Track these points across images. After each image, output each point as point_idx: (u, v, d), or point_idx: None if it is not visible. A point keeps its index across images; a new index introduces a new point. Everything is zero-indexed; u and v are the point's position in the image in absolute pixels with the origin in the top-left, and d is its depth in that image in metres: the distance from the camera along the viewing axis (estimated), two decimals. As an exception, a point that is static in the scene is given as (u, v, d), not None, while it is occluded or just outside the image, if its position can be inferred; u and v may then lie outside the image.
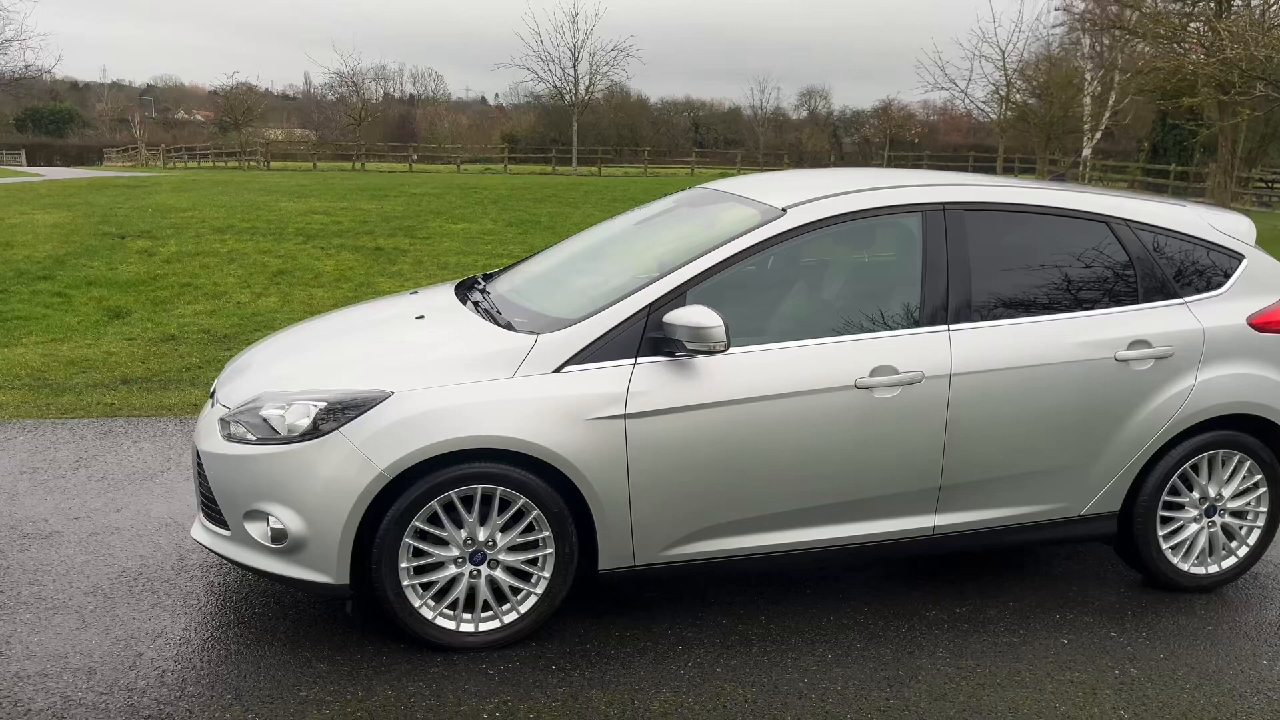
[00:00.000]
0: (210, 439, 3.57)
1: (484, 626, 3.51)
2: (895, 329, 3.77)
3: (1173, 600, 4.07)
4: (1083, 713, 3.25)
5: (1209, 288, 4.08)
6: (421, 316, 4.04)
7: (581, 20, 60.22)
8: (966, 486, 3.81)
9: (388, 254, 11.08)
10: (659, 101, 71.25)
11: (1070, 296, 3.94)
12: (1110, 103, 34.06)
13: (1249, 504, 4.14)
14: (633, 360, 3.49)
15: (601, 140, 54.44)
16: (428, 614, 3.45)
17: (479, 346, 3.57)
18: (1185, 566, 4.12)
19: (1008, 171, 41.50)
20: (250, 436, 3.44)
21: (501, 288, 4.32)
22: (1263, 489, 4.14)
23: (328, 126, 62.26)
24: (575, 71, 42.71)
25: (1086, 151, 35.68)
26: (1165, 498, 4.03)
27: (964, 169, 44.28)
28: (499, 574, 3.50)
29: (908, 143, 60.18)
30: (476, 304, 4.07)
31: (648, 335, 3.51)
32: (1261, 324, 4.05)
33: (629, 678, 3.36)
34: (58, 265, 10.19)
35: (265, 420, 3.43)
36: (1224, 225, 4.23)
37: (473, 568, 3.47)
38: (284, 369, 3.73)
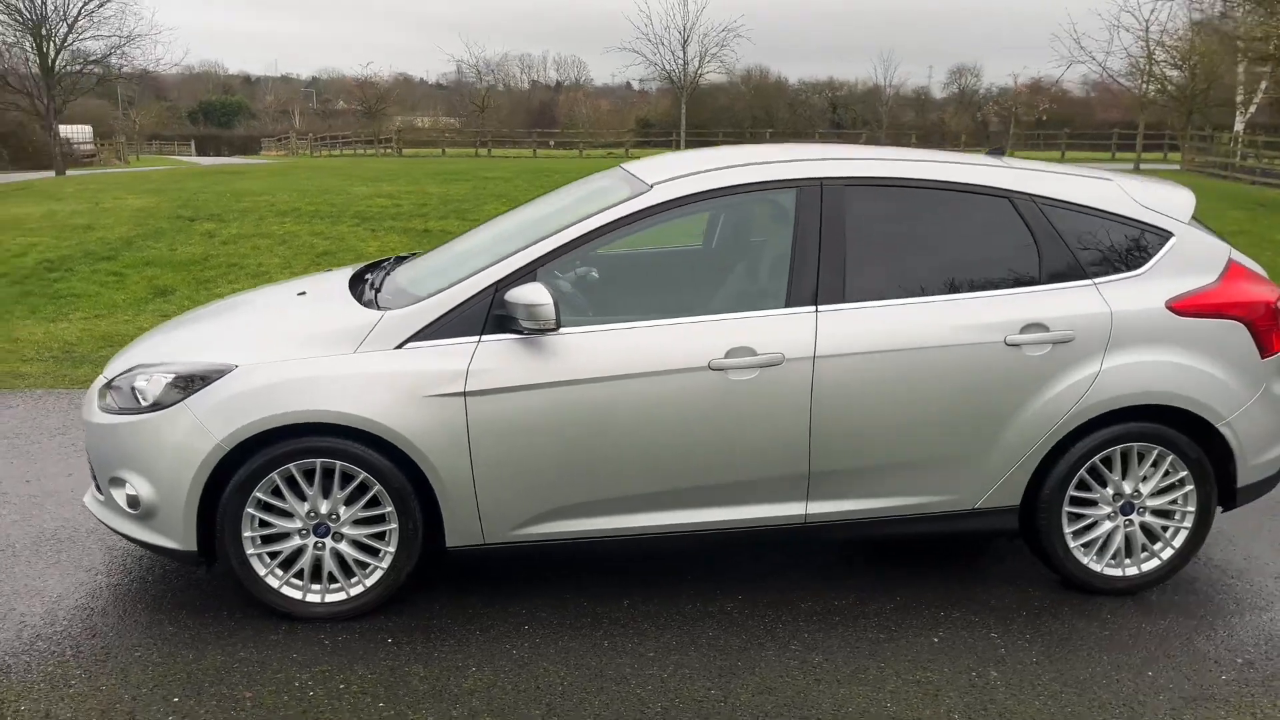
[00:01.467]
0: (89, 407, 3.73)
1: (330, 598, 3.57)
2: (759, 309, 3.63)
3: (1082, 602, 3.79)
4: (913, 714, 3.07)
5: (1127, 268, 3.76)
6: (303, 293, 4.11)
7: (691, 2, 59.59)
8: (840, 474, 3.64)
9: (434, 236, 11.30)
10: (798, 82, 69.79)
11: (959, 277, 3.70)
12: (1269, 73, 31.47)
13: (1173, 502, 3.82)
14: (477, 338, 3.47)
15: (735, 123, 53.81)
16: (273, 582, 3.53)
17: (330, 323, 3.61)
18: (1098, 567, 3.83)
19: (1154, 150, 39.03)
20: (115, 406, 3.58)
21: (404, 267, 4.36)
22: (1189, 486, 3.80)
23: (468, 114, 63.69)
24: (684, 54, 42.44)
25: (1239, 127, 33.25)
26: (1073, 493, 3.76)
27: (1106, 147, 41.97)
28: (344, 547, 3.55)
29: (1046, 121, 57.14)
30: (363, 283, 4.11)
31: (494, 313, 3.49)
32: (1184, 308, 3.71)
33: (457, 655, 3.37)
34: (125, 246, 10.82)
35: (131, 390, 3.56)
36: (1153, 200, 3.89)
37: (317, 540, 3.53)
38: (161, 342, 3.86)
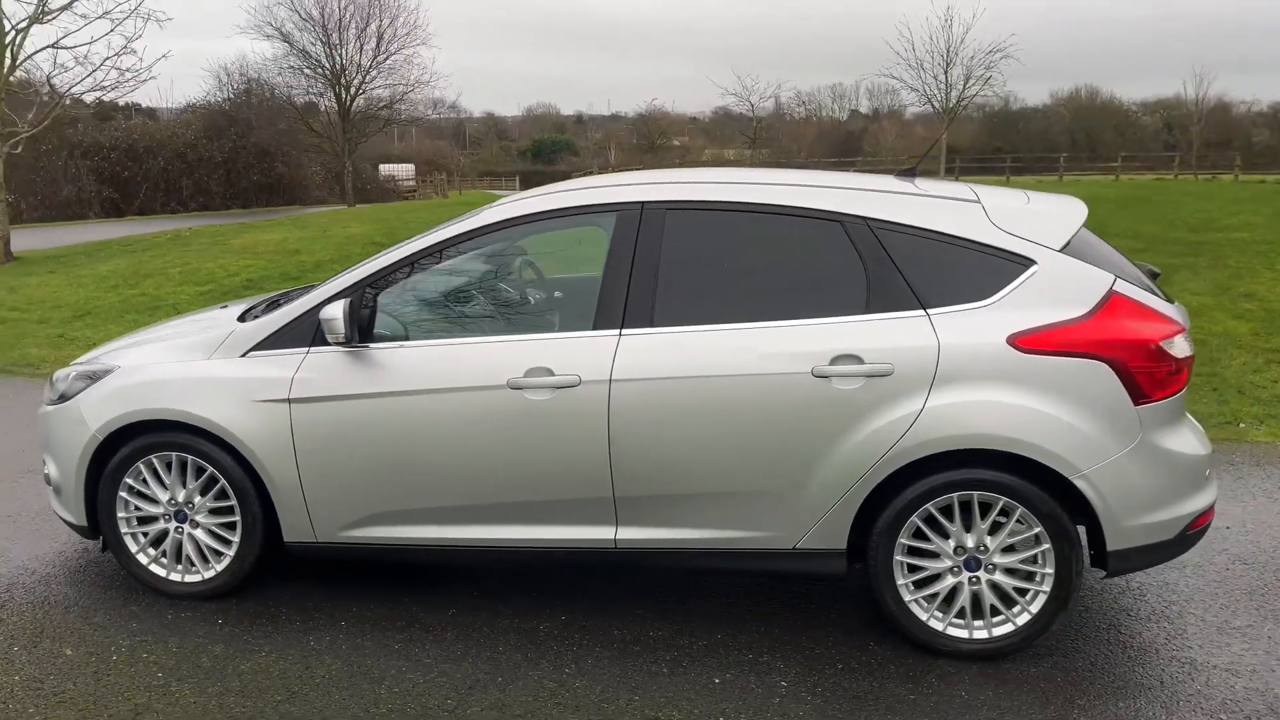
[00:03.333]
0: (44, 399, 4.40)
1: (188, 579, 3.97)
2: (566, 330, 3.65)
3: (920, 664, 3.44)
4: (618, 750, 2.98)
5: (971, 298, 3.40)
6: (224, 307, 4.59)
7: (957, 23, 57.06)
8: (648, 501, 3.56)
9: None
10: (1133, 103, 64.68)
11: (778, 304, 3.51)
12: None
13: (1029, 561, 3.39)
14: (306, 350, 3.76)
15: (1051, 146, 50.84)
16: (143, 560, 3.99)
17: (200, 335, 4.04)
18: (940, 627, 3.48)
19: None
20: (46, 398, 4.21)
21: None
22: (1045, 545, 3.37)
23: (776, 144, 64.81)
24: (947, 77, 40.86)
25: None
26: (907, 541, 3.44)
27: None
28: (199, 534, 3.94)
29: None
30: (268, 300, 4.52)
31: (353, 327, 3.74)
32: (1031, 344, 3.30)
33: (265, 639, 3.64)
34: (315, 268, 12.18)
35: (53, 384, 4.17)
36: (1020, 225, 3.49)
37: (177, 525, 3.95)
38: (105, 348, 4.46)
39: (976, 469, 3.35)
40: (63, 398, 4.06)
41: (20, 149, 17.23)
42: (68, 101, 17.47)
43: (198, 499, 3.91)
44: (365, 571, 4.18)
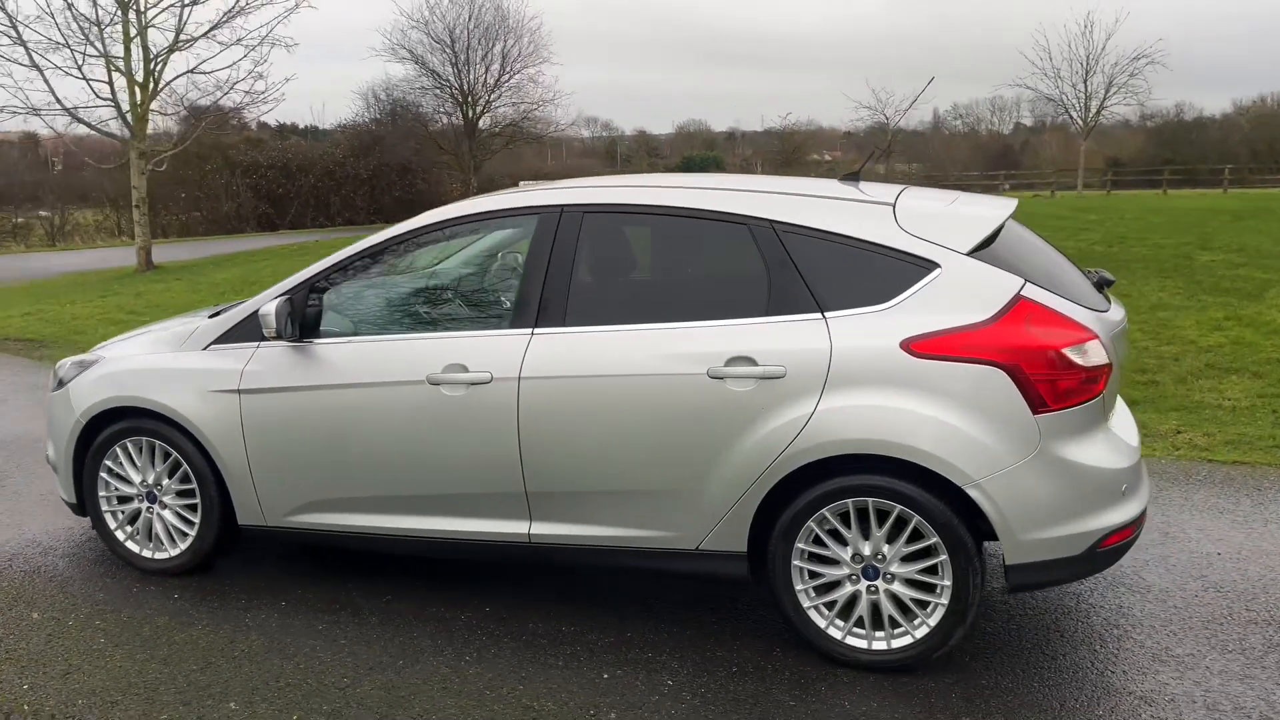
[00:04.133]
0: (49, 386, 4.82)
1: (157, 555, 4.27)
2: (485, 329, 3.77)
3: (816, 671, 3.39)
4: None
5: (871, 301, 3.34)
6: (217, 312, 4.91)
7: (1099, 29, 54.02)
8: (558, 496, 3.64)
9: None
10: None
11: (682, 306, 3.54)
12: None
13: (928, 572, 3.30)
14: (256, 344, 4.01)
15: (1227, 158, 47.80)
16: (120, 536, 4.32)
17: (176, 330, 4.34)
18: (839, 635, 3.41)
19: None
20: (52, 385, 4.61)
21: None
22: (943, 556, 3.27)
23: (926, 158, 63.31)
24: (1086, 87, 39.03)
25: None
26: (806, 546, 3.40)
27: None
28: (167, 514, 4.24)
29: None
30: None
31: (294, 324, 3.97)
32: (925, 348, 3.22)
33: (208, 614, 3.89)
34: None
35: (59, 372, 4.57)
36: (928, 227, 3.40)
37: (148, 505, 4.26)
38: (111, 340, 4.85)
39: (871, 475, 3.29)
40: (60, 384, 4.44)
41: (165, 167, 18.64)
42: (203, 123, 18.75)
43: (165, 481, 4.21)
44: (328, 557, 4.40)
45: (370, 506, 3.90)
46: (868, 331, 3.29)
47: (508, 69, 31.68)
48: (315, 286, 3.97)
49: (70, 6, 16.74)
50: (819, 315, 3.36)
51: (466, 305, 3.98)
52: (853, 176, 4.04)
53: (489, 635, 3.70)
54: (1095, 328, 3.28)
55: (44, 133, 21.37)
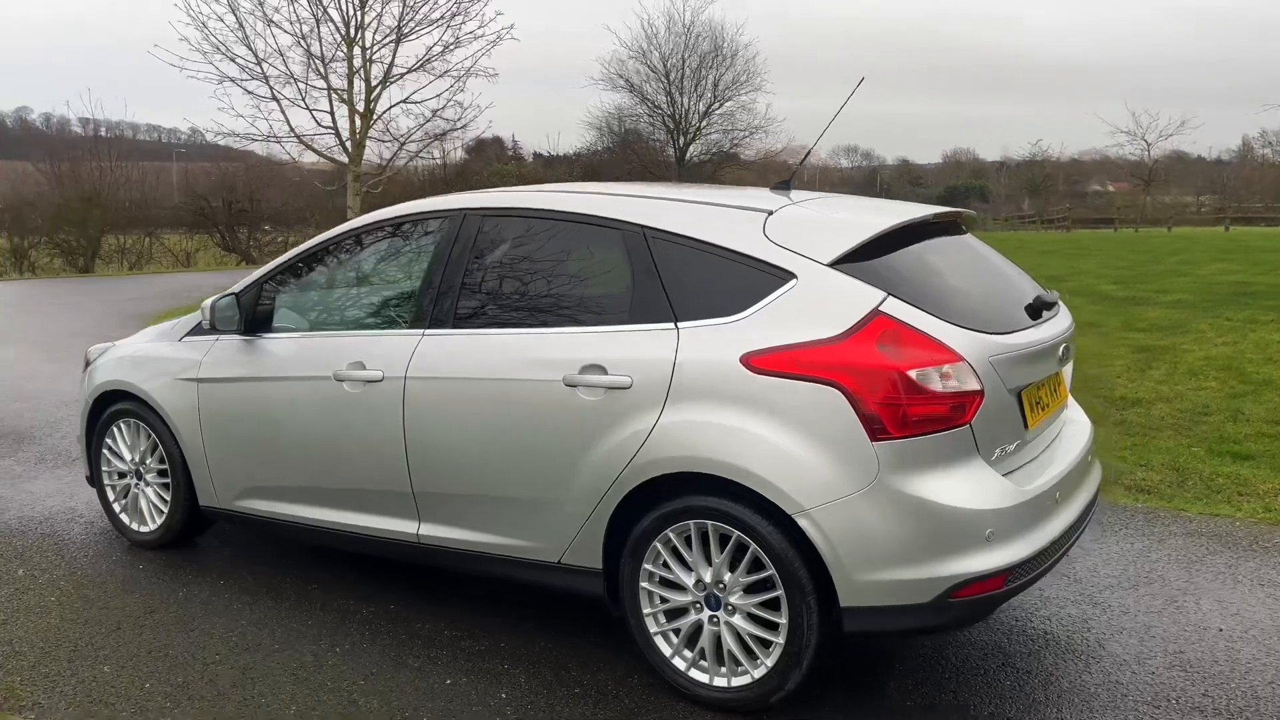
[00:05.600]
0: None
1: (140, 529, 4.65)
2: (388, 329, 3.85)
3: (660, 703, 3.20)
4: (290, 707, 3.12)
5: (725, 312, 3.12)
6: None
7: None
8: (440, 498, 3.65)
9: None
10: None
11: (557, 310, 3.46)
12: None
13: (769, 606, 3.03)
14: (215, 337, 4.30)
15: None
16: (117, 509, 4.73)
17: (168, 324, 4.72)
18: (684, 666, 3.20)
19: None
20: (84, 365, 5.13)
21: None
22: (779, 590, 2.99)
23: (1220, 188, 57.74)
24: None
25: None
26: (651, 567, 3.21)
27: None
28: (149, 492, 4.61)
29: None
30: None
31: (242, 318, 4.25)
32: (765, 364, 2.97)
33: (133, 582, 4.20)
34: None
35: (88, 356, 5.07)
36: (794, 236, 3.13)
37: (135, 482, 4.65)
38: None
39: (710, 496, 3.07)
40: (87, 365, 4.95)
41: (380, 190, 20.25)
42: (413, 150, 20.23)
43: (149, 461, 4.59)
44: (295, 543, 4.63)
45: (293, 496, 4.07)
46: (712, 344, 3.08)
47: (719, 97, 32.08)
48: (264, 285, 4.21)
49: (304, 42, 18.59)
50: (672, 325, 3.18)
51: (379, 306, 4.08)
52: (784, 185, 3.80)
53: (373, 630, 3.75)
54: (970, 350, 2.92)
55: (281, 159, 23.68)
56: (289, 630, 3.76)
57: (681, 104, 33.06)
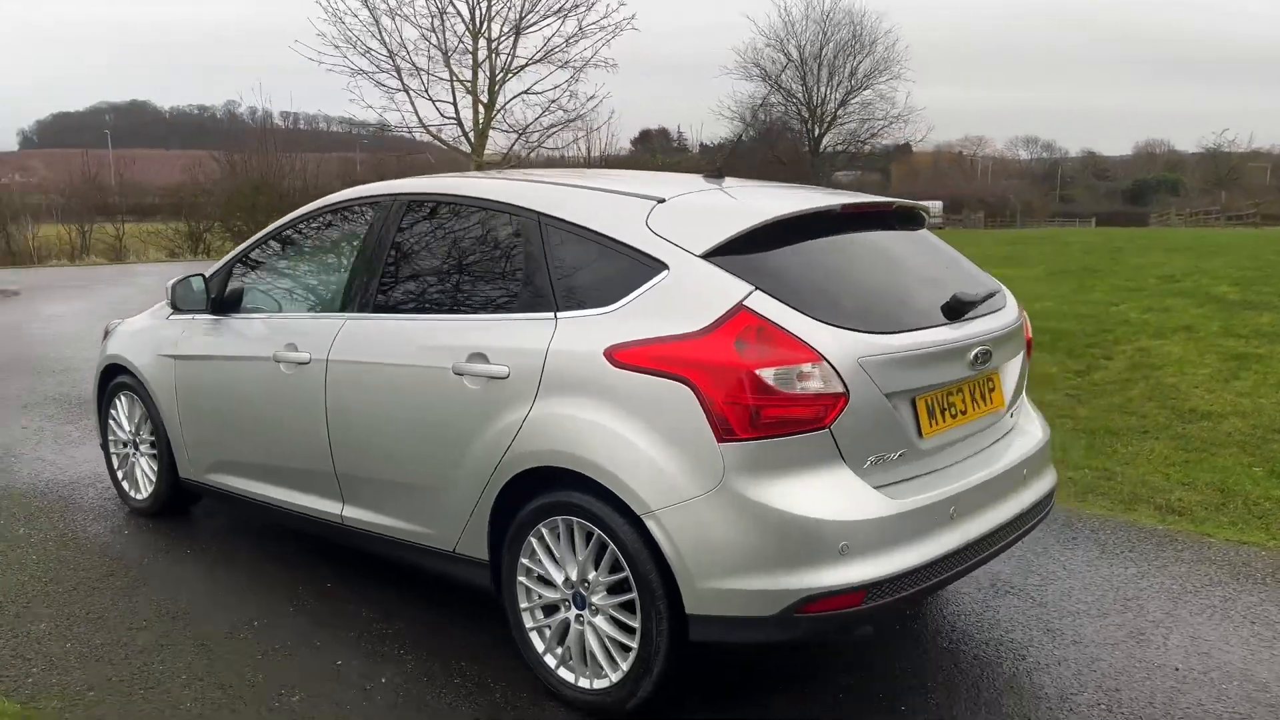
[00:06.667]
0: None
1: (137, 497, 4.90)
2: (321, 311, 3.91)
3: (545, 703, 3.14)
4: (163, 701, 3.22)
5: (601, 302, 3.02)
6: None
7: None
8: (358, 481, 3.69)
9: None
10: None
11: (457, 296, 3.44)
12: None
13: (623, 609, 2.93)
14: (192, 316, 4.48)
15: None
16: (120, 475, 5.01)
17: (163, 302, 4.94)
18: (554, 664, 3.13)
19: None
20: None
21: None
22: (633, 592, 2.88)
23: None
24: None
25: None
26: (528, 562, 3.15)
27: None
28: (143, 462, 4.86)
29: None
30: None
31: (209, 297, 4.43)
32: (624, 358, 2.85)
33: (113, 544, 4.43)
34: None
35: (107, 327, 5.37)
36: (675, 225, 2.99)
37: (133, 452, 4.91)
38: None
39: (574, 492, 2.98)
40: (106, 334, 5.25)
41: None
42: (533, 140, 20.58)
43: (141, 432, 4.84)
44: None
45: (248, 472, 4.20)
46: (581, 335, 2.99)
47: (856, 85, 31.16)
48: (233, 267, 4.36)
49: (434, 34, 19.18)
50: (552, 315, 3.11)
51: (315, 290, 4.15)
52: (716, 173, 3.65)
53: (298, 607, 3.83)
54: (835, 350, 2.72)
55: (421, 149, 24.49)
56: (220, 602, 3.88)
57: (818, 93, 32.38)
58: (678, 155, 44.06)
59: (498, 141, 20.46)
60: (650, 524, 2.77)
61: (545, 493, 3.06)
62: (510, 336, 3.16)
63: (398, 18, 18.87)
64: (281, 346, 3.88)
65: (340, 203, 4.05)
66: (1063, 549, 4.38)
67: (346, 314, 3.73)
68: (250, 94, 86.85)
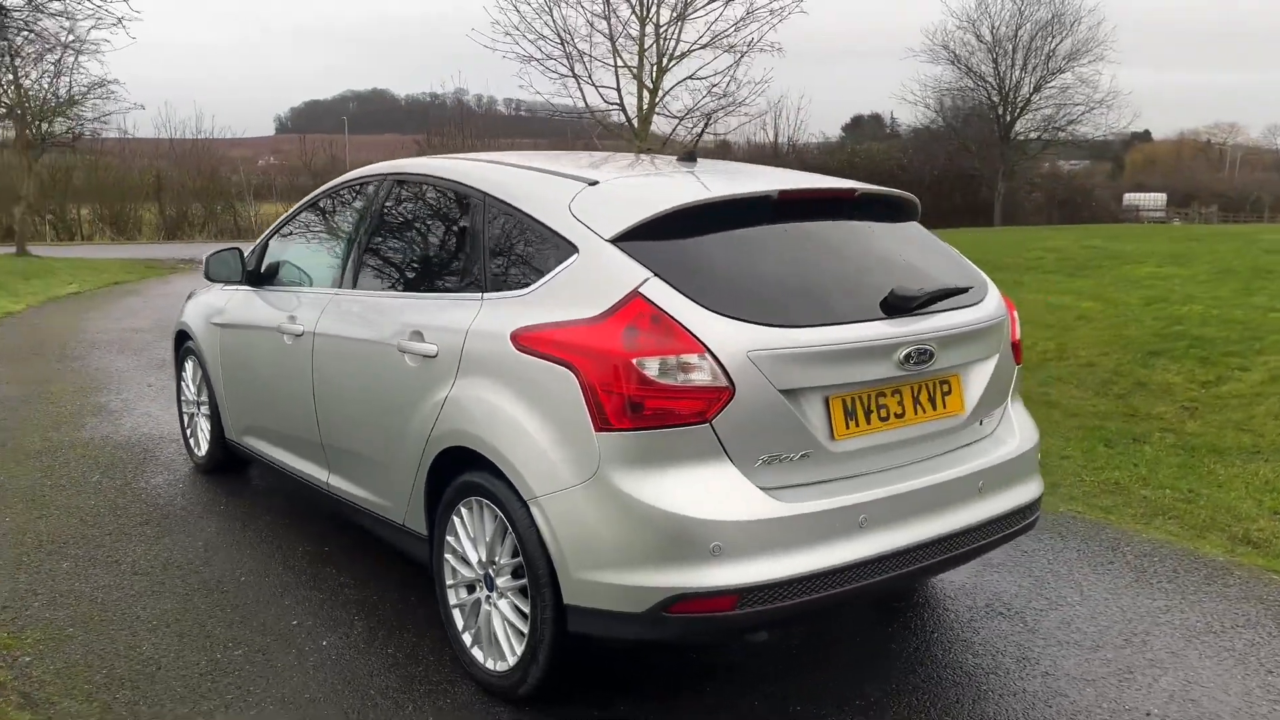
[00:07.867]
0: None
1: (198, 453, 5.28)
2: (320, 287, 4.06)
3: (445, 679, 3.18)
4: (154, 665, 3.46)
5: (521, 284, 2.99)
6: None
7: None
8: (337, 451, 3.83)
9: None
10: None
11: (411, 274, 3.54)
12: None
13: (519, 594, 2.91)
14: (237, 287, 4.77)
15: None
16: (187, 433, 5.41)
17: None
18: (468, 642, 3.14)
19: None
20: None
21: None
22: (523, 579, 2.85)
23: None
24: None
25: None
26: (453, 541, 3.17)
27: None
28: (200, 421, 5.23)
29: None
30: None
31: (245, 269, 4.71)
32: (525, 341, 2.82)
33: (165, 493, 4.79)
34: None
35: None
36: (595, 207, 2.91)
37: (197, 412, 5.29)
38: None
39: (483, 473, 2.98)
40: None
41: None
42: (692, 125, 20.50)
43: (201, 395, 5.21)
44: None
45: (268, 437, 4.45)
46: (496, 317, 2.98)
47: (1054, 68, 29.03)
48: (269, 241, 4.61)
49: (606, 20, 19.45)
50: (479, 296, 3.12)
51: (320, 265, 4.29)
52: (689, 156, 3.53)
53: (286, 567, 4.02)
54: (722, 342, 2.59)
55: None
56: (221, 556, 4.13)
57: (1011, 77, 30.42)
58: (888, 141, 42.54)
59: (661, 128, 20.54)
60: (534, 510, 2.74)
61: (466, 472, 3.08)
62: (442, 316, 3.19)
63: (566, 4, 19.23)
64: (286, 319, 4.08)
65: (349, 181, 4.20)
66: (1090, 572, 3.99)
67: (336, 289, 3.88)
68: (476, 82, 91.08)
